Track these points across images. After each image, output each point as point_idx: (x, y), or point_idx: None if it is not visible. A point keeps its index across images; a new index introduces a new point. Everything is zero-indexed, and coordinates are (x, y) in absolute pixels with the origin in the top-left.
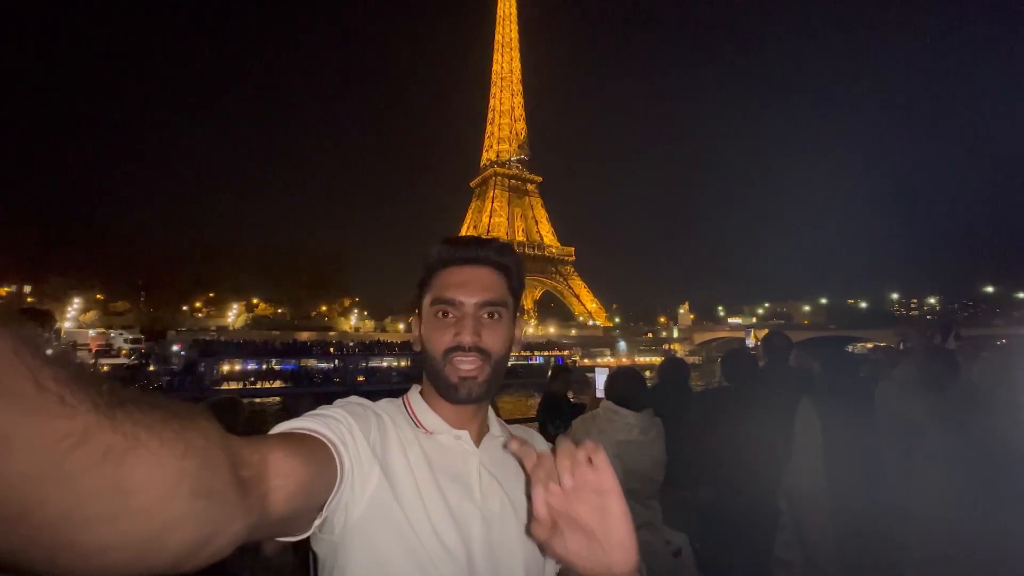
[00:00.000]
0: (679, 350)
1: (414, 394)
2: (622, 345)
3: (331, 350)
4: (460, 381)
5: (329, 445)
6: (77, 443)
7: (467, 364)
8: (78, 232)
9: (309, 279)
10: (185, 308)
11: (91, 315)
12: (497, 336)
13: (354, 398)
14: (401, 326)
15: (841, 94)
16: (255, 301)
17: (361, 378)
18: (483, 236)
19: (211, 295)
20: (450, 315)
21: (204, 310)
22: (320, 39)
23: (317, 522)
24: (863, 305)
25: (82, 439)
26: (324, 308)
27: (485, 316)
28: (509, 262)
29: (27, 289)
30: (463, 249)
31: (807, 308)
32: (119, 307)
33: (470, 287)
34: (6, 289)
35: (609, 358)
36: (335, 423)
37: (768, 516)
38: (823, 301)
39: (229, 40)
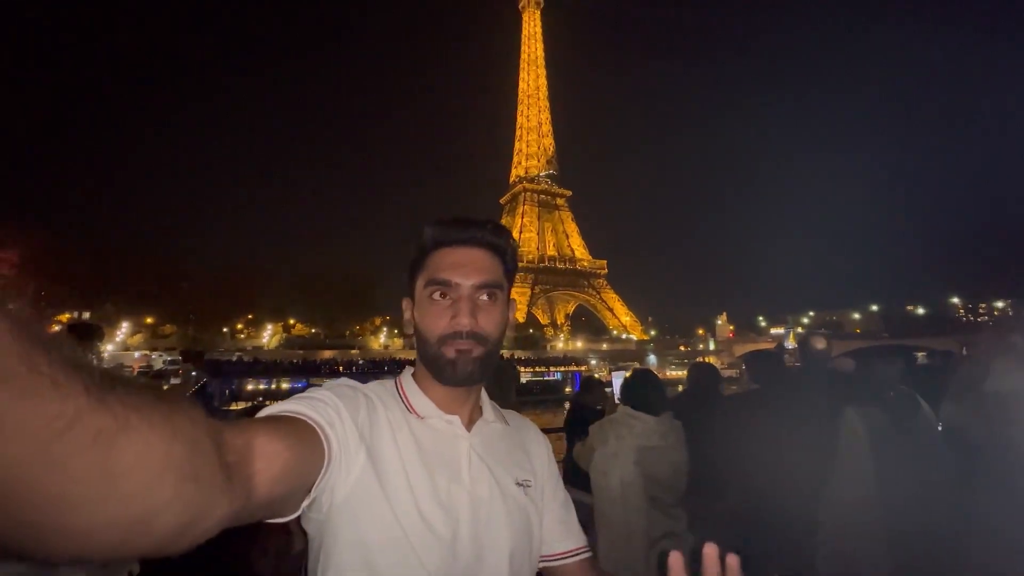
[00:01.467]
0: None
1: (406, 377)
2: (652, 358)
3: (339, 368)
4: (457, 356)
5: (316, 427)
6: (68, 425)
7: (463, 347)
8: (129, 261)
9: (341, 299)
10: (225, 330)
11: (138, 338)
12: (493, 319)
13: (344, 380)
14: None
15: (891, 86)
16: (291, 321)
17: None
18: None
19: (250, 316)
20: (446, 297)
21: (245, 331)
22: (345, 64)
23: (305, 503)
24: (920, 311)
25: (73, 421)
26: (358, 327)
27: (482, 298)
28: (504, 244)
29: (87, 315)
30: (458, 229)
31: (857, 316)
32: (166, 330)
33: (466, 268)
34: (67, 315)
35: None
36: (322, 405)
37: (805, 528)
38: (874, 308)
39: (260, 64)
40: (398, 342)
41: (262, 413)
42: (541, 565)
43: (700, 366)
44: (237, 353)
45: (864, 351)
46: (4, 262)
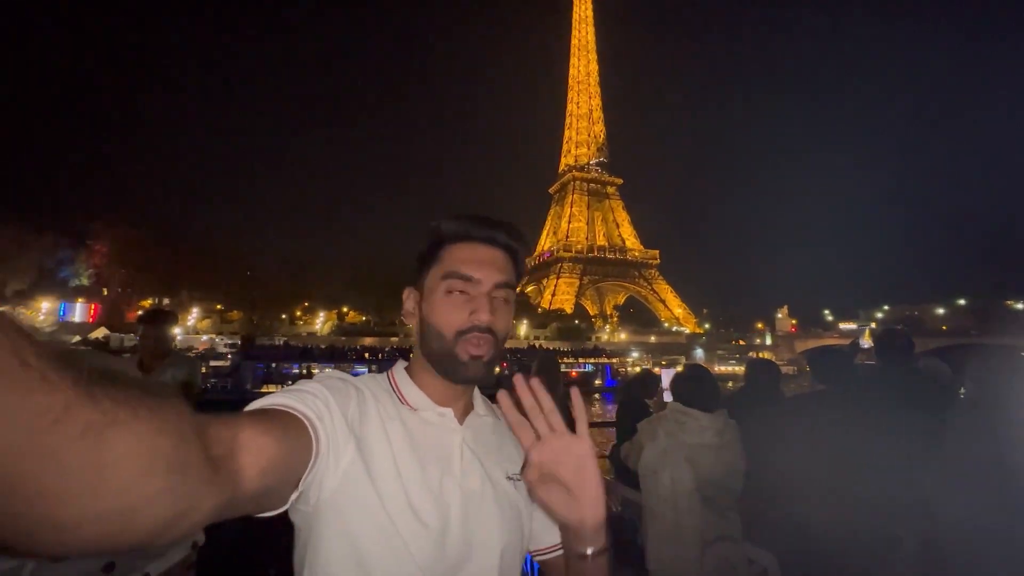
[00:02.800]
0: (772, 360)
1: (399, 370)
2: (699, 352)
3: (366, 355)
4: (470, 360)
5: (304, 420)
6: (58, 418)
7: (479, 344)
8: (202, 253)
9: (389, 288)
10: (284, 316)
11: (206, 323)
12: (505, 319)
13: (335, 372)
14: None
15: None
16: (344, 309)
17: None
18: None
19: (306, 304)
20: (464, 293)
21: (303, 318)
22: (399, 55)
23: (293, 496)
24: (1020, 306)
25: (62, 414)
26: None
27: (498, 297)
28: (519, 247)
29: (166, 301)
30: (482, 227)
31: (942, 311)
32: (232, 316)
33: (488, 266)
34: (149, 301)
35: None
36: (311, 398)
37: (879, 543)
38: (961, 302)
39: (326, 62)
40: None
41: (251, 406)
42: (536, 559)
43: (759, 362)
44: (283, 338)
45: (951, 350)
46: (97, 253)
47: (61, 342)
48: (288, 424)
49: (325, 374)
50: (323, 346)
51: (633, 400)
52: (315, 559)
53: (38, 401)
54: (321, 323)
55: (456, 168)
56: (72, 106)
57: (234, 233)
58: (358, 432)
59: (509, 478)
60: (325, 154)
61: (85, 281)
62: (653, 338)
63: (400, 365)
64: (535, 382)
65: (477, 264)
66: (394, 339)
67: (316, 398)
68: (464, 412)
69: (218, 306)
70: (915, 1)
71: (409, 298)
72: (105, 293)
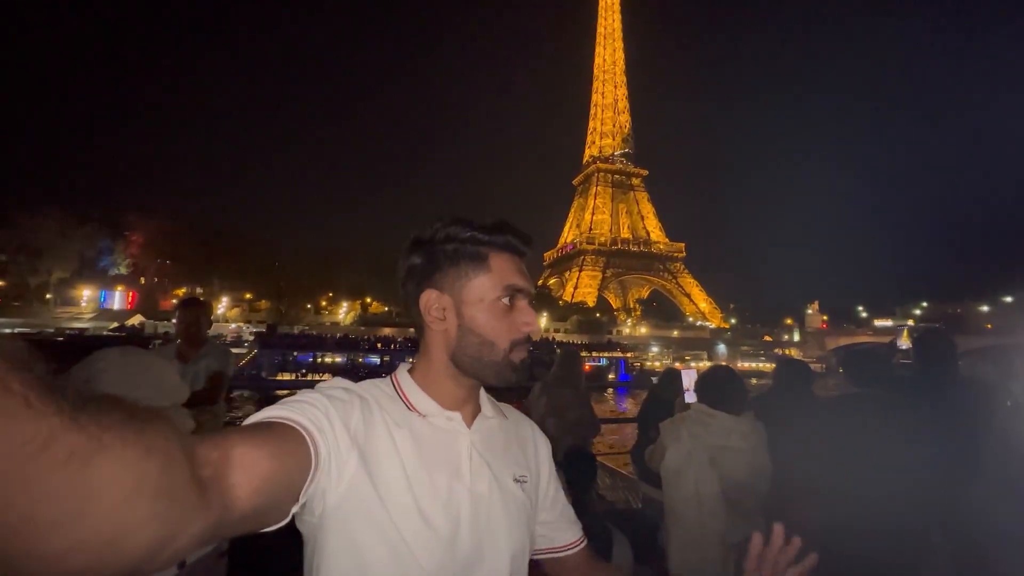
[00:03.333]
0: (796, 356)
1: (403, 375)
2: (721, 348)
3: (379, 345)
4: (521, 364)
5: (303, 432)
6: (42, 446)
7: (526, 350)
8: (232, 243)
9: None
10: (309, 306)
11: (235, 312)
12: None
13: (338, 380)
14: None
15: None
16: (368, 300)
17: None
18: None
19: (330, 294)
20: (514, 305)
21: (329, 308)
22: (425, 43)
23: (294, 509)
24: None
25: (48, 442)
26: None
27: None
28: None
29: (199, 290)
30: (525, 242)
31: (986, 309)
32: (261, 305)
33: (529, 279)
34: (183, 290)
35: (705, 362)
36: (312, 410)
37: (911, 552)
38: (1008, 299)
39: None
40: None
41: (249, 420)
42: (544, 558)
43: (789, 362)
44: (304, 328)
45: (996, 351)
46: (134, 244)
47: (42, 365)
48: (285, 437)
49: (327, 383)
50: (339, 335)
51: (659, 399)
52: (321, 569)
53: (23, 429)
54: (344, 313)
55: (479, 160)
56: (112, 103)
57: (263, 225)
58: (362, 441)
59: (516, 480)
60: (352, 147)
61: (123, 270)
62: (676, 333)
63: (403, 370)
64: (791, 547)
65: (524, 277)
66: (411, 329)
67: (316, 409)
68: (472, 415)
69: (247, 295)
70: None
71: (435, 301)
72: (142, 282)
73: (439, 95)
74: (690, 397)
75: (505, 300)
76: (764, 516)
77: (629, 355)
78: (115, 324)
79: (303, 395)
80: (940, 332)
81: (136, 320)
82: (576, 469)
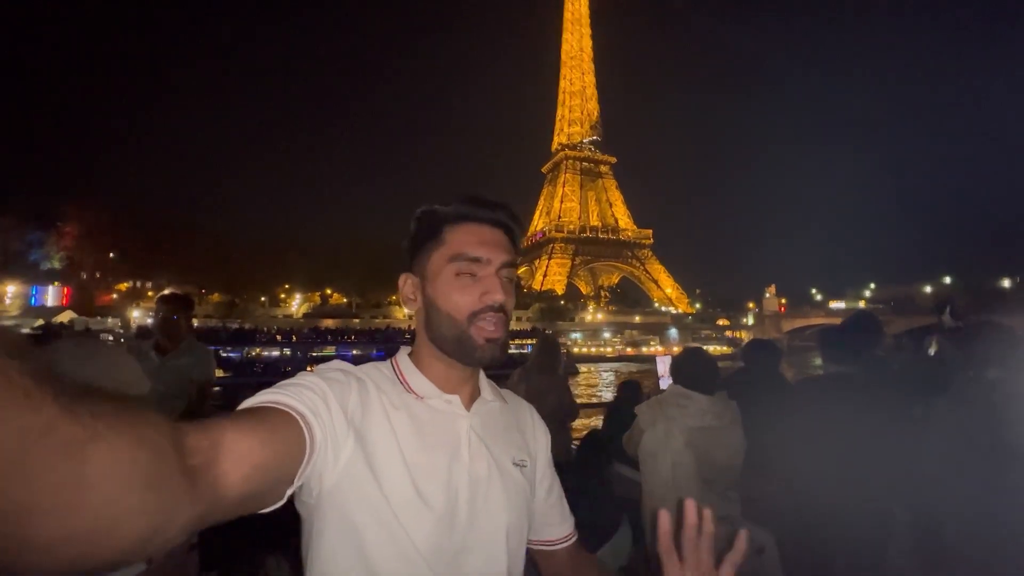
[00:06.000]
0: (747, 339)
1: (403, 358)
2: (673, 332)
3: (278, 337)
4: (486, 343)
5: (297, 416)
6: (40, 435)
7: (494, 325)
8: (180, 235)
9: (371, 269)
10: (264, 299)
11: None
12: (512, 299)
13: (336, 363)
14: None
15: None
16: (328, 292)
17: (311, 368)
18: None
19: (287, 286)
20: (476, 274)
21: (283, 300)
22: (378, 27)
23: (290, 491)
24: (1005, 284)
25: (45, 431)
26: (393, 297)
27: (505, 278)
28: (516, 227)
29: (148, 285)
30: (486, 208)
31: (929, 289)
32: (213, 299)
33: (495, 247)
34: (125, 285)
35: (657, 347)
36: (308, 393)
37: (875, 519)
38: (947, 280)
39: (297, 34)
40: None
41: (244, 404)
42: (536, 549)
43: (758, 343)
44: (238, 322)
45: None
46: (67, 235)
47: (40, 355)
48: (278, 422)
49: (325, 366)
50: (276, 328)
51: (625, 402)
52: (318, 549)
53: (21, 418)
54: (297, 305)
55: (447, 148)
56: (44, 87)
57: (213, 215)
58: (359, 424)
59: (515, 464)
60: (309, 134)
61: (57, 264)
62: (637, 318)
63: (403, 352)
64: (707, 514)
65: (484, 245)
66: (377, 321)
67: (312, 392)
68: (471, 398)
69: (201, 289)
70: None
71: (407, 283)
72: (83, 277)
73: (405, 85)
74: (665, 383)
75: (460, 270)
76: (738, 492)
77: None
78: (40, 322)
79: (300, 378)
80: (869, 314)
81: (65, 317)
82: (592, 451)
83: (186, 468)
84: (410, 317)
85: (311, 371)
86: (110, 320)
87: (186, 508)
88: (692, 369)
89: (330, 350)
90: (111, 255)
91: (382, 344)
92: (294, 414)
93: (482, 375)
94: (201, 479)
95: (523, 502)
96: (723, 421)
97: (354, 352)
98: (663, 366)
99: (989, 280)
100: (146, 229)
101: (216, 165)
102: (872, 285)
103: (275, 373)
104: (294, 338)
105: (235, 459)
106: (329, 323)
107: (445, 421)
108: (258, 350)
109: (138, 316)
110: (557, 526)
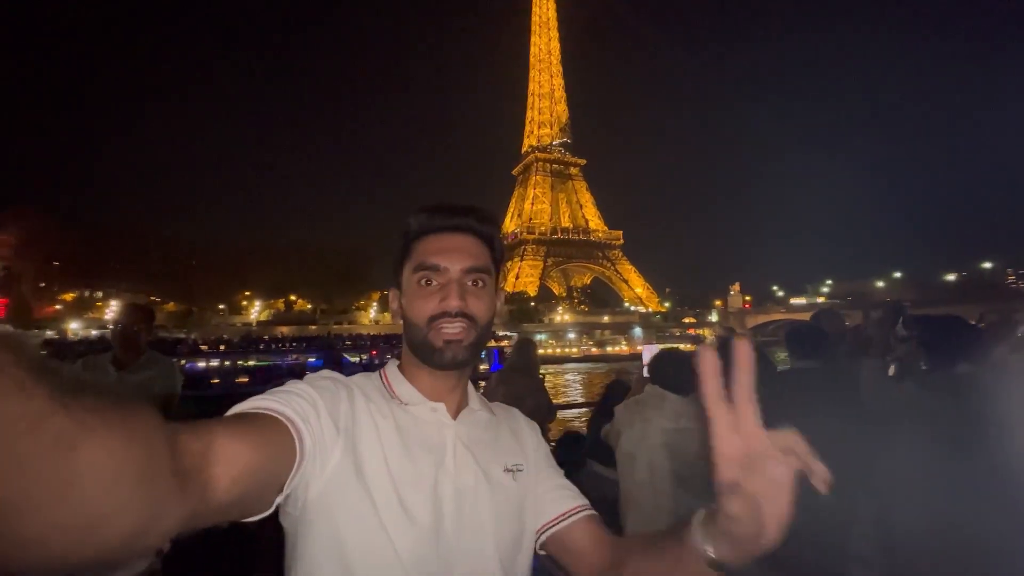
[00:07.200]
0: (709, 336)
1: (391, 367)
2: (637, 331)
3: (282, 346)
4: (445, 344)
5: (287, 423)
6: (32, 427)
7: (453, 328)
8: (129, 241)
9: (337, 275)
10: (222, 306)
11: None
12: (482, 303)
13: (325, 372)
14: None
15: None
16: (292, 298)
17: (244, 378)
18: (465, 205)
19: (247, 293)
20: (434, 282)
21: (243, 307)
22: (343, 33)
23: (279, 499)
24: (950, 278)
25: (37, 423)
26: (362, 303)
27: (470, 283)
28: (491, 231)
29: (99, 294)
30: (444, 216)
31: (881, 284)
32: (170, 307)
33: (454, 254)
34: (71, 295)
35: (622, 347)
36: (297, 399)
37: (841, 507)
38: (897, 275)
39: (257, 41)
40: (388, 317)
41: (234, 410)
42: (547, 534)
43: (730, 341)
44: (231, 329)
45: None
46: (3, 244)
47: (36, 348)
48: (269, 429)
49: (315, 374)
50: (225, 337)
51: (614, 401)
52: (301, 561)
53: (14, 409)
54: (257, 312)
55: (418, 152)
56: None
57: (177, 222)
58: (347, 432)
59: (508, 470)
60: (277, 137)
61: None
62: (607, 318)
63: (392, 363)
64: (750, 350)
65: (442, 253)
66: (340, 327)
67: (302, 399)
68: (458, 407)
69: (153, 297)
70: None
71: (395, 299)
72: (22, 288)
73: (374, 91)
74: (647, 372)
75: (422, 280)
76: (711, 490)
77: (504, 344)
78: None
79: (291, 385)
80: (833, 312)
81: None
82: (568, 450)
83: (177, 468)
84: (376, 323)
85: (302, 379)
86: (48, 333)
87: (175, 508)
88: (669, 370)
89: (252, 361)
90: (55, 263)
91: (319, 352)
92: (285, 421)
93: (471, 386)
94: (192, 480)
95: (515, 509)
96: (699, 422)
97: (291, 358)
98: (649, 355)
99: (936, 274)
100: (96, 235)
101: (183, 172)
102: (829, 281)
103: (194, 387)
104: (221, 347)
105: (226, 463)
106: (285, 330)
107: (431, 430)
108: (182, 362)
109: (76, 327)
110: (554, 504)
